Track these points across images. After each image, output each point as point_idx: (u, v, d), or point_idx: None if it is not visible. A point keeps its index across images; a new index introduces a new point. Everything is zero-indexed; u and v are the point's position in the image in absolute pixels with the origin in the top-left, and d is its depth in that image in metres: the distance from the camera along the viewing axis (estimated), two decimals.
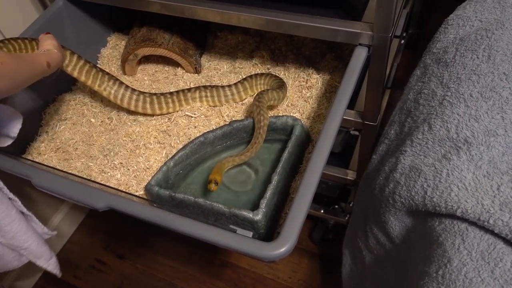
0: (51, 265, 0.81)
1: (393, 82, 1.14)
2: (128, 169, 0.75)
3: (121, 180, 0.74)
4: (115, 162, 0.76)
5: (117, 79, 0.80)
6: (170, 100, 0.81)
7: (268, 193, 0.62)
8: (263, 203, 0.61)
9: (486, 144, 0.54)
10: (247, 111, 0.82)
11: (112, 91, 0.80)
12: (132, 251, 1.34)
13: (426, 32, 1.41)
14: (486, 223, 0.48)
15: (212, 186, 0.65)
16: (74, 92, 0.93)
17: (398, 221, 0.65)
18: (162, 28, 0.91)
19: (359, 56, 0.69)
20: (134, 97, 0.80)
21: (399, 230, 0.65)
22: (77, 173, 0.76)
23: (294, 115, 0.79)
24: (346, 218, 1.12)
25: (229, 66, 0.93)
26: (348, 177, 0.97)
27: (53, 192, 0.64)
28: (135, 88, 0.82)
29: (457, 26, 0.67)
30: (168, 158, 0.74)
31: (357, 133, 0.89)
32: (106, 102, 0.89)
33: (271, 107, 0.81)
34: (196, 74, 0.92)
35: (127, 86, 0.81)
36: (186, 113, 0.82)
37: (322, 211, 1.13)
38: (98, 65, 0.98)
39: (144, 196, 0.71)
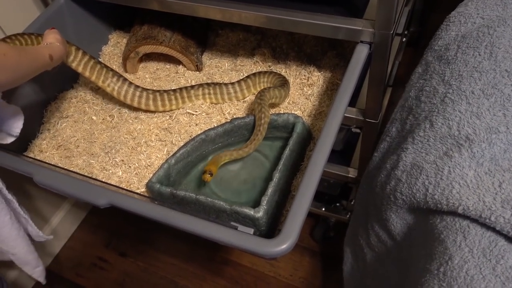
0: (36, 273, 0.82)
1: (395, 80, 1.14)
2: (130, 167, 0.75)
3: (122, 177, 0.74)
4: (117, 160, 0.76)
5: (121, 76, 0.81)
6: (173, 97, 0.81)
7: (269, 191, 0.62)
8: (264, 200, 0.61)
9: (487, 141, 0.54)
10: (249, 109, 0.82)
11: (116, 87, 0.80)
12: (134, 249, 1.35)
13: (428, 30, 1.40)
14: (487, 220, 0.48)
15: (207, 177, 0.65)
16: (76, 90, 0.93)
17: (400, 218, 0.64)
18: (163, 26, 0.91)
19: (361, 53, 0.69)
20: (138, 93, 0.80)
21: (400, 227, 0.65)
22: (78, 171, 0.76)
23: (296, 112, 0.79)
24: (348, 216, 1.12)
25: (230, 64, 0.93)
26: (350, 175, 0.97)
27: (55, 189, 0.64)
28: (139, 85, 0.82)
29: (459, 23, 0.67)
30: (170, 155, 0.74)
31: (358, 130, 0.89)
32: (107, 99, 0.89)
33: (273, 105, 0.81)
34: (197, 72, 0.92)
35: (130, 83, 0.81)
36: (187, 110, 0.82)
37: (323, 209, 1.13)
38: None
39: (146, 194, 0.72)
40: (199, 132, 0.76)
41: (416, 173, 0.58)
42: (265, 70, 0.87)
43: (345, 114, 0.81)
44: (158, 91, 0.81)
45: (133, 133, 0.81)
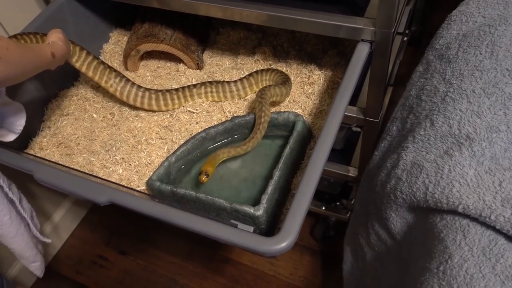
0: (32, 267, 0.84)
1: (396, 79, 1.14)
2: (130, 164, 0.76)
3: (123, 175, 0.74)
4: (117, 157, 0.77)
5: (123, 76, 0.81)
6: (175, 97, 0.81)
7: (270, 189, 0.62)
8: (264, 199, 0.61)
9: (488, 140, 0.54)
10: (249, 107, 0.82)
11: (119, 88, 0.80)
12: (134, 247, 1.35)
13: (429, 29, 1.40)
14: (487, 219, 0.48)
15: (203, 178, 0.65)
16: (76, 88, 0.93)
17: (400, 217, 0.64)
18: (164, 24, 0.91)
19: (361, 52, 0.69)
20: (140, 93, 0.81)
21: (400, 226, 0.65)
22: (79, 168, 0.76)
23: (296, 111, 0.79)
24: (348, 215, 1.12)
25: (231, 62, 0.93)
26: (350, 174, 0.97)
27: (55, 187, 0.64)
28: (141, 85, 0.82)
29: (460, 22, 0.67)
30: (170, 153, 0.74)
31: (359, 129, 0.89)
32: (108, 97, 0.89)
33: (274, 103, 0.81)
34: (198, 70, 0.92)
35: (133, 83, 0.81)
36: (188, 108, 0.82)
37: (323, 208, 1.13)
38: None
39: (146, 191, 0.72)
40: (199, 130, 0.76)
41: (417, 172, 0.58)
42: (267, 68, 0.86)
43: (346, 113, 0.81)
44: (161, 90, 0.81)
45: (133, 131, 0.81)
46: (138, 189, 0.72)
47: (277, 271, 1.23)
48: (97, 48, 1.00)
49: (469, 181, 0.52)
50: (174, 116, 0.82)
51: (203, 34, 0.98)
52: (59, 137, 0.83)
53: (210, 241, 1.23)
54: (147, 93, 0.81)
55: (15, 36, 0.72)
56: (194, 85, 0.82)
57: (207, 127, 0.77)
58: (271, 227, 0.63)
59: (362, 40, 0.69)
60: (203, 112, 0.82)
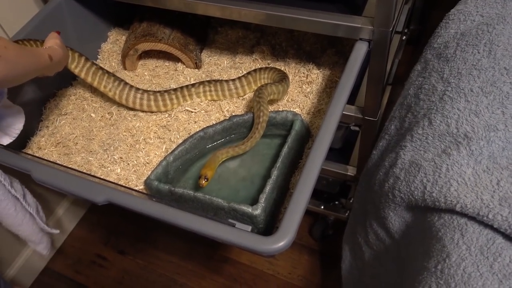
0: (38, 247, 0.88)
1: (394, 79, 1.14)
2: (128, 164, 0.75)
3: (121, 174, 0.74)
4: (115, 157, 0.76)
5: (122, 80, 0.82)
6: (174, 97, 0.81)
7: (268, 188, 0.62)
8: (263, 198, 0.61)
9: (486, 139, 0.54)
10: (248, 106, 0.82)
11: (117, 91, 0.81)
12: (133, 247, 1.35)
13: (428, 28, 1.40)
14: (485, 218, 0.48)
15: (202, 182, 0.65)
16: (75, 87, 0.93)
17: (398, 216, 0.64)
18: (162, 23, 0.91)
19: (359, 51, 0.69)
20: (139, 95, 0.81)
21: (399, 225, 0.65)
22: (77, 168, 0.76)
23: (294, 110, 0.79)
24: (346, 214, 1.12)
25: (229, 61, 0.93)
26: (348, 173, 0.97)
27: (53, 186, 0.64)
28: (139, 88, 0.82)
29: (458, 21, 0.67)
30: (168, 152, 0.74)
31: (357, 128, 0.88)
32: (106, 97, 0.89)
33: (272, 101, 0.81)
34: (197, 70, 0.92)
35: (131, 86, 0.81)
36: (186, 108, 0.82)
37: (322, 207, 1.13)
38: (98, 60, 0.99)
39: (144, 191, 0.72)
40: (198, 130, 0.76)
41: (415, 171, 0.58)
42: (265, 66, 0.86)
43: (344, 112, 0.81)
44: (159, 91, 0.82)
45: (131, 131, 0.80)
46: (136, 188, 0.72)
47: (276, 270, 1.23)
48: (95, 48, 1.00)
49: (467, 180, 0.52)
50: (172, 116, 0.82)
51: (202, 33, 0.98)
52: (57, 137, 0.83)
53: (209, 241, 1.23)
54: (145, 95, 0.81)
55: (15, 41, 0.73)
56: (193, 85, 0.82)
57: (205, 126, 0.77)
58: (269, 226, 0.63)
59: (360, 39, 0.69)
60: (202, 112, 0.82)
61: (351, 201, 1.10)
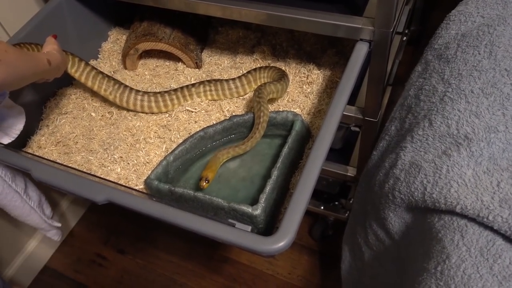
0: (49, 234, 0.92)
1: (395, 79, 1.14)
2: (128, 163, 0.75)
3: (121, 174, 0.74)
4: (115, 156, 0.76)
5: (121, 83, 0.82)
6: (174, 97, 0.82)
7: (268, 188, 0.62)
8: (263, 198, 0.61)
9: (486, 141, 0.54)
10: (248, 106, 0.82)
11: (118, 95, 0.81)
12: (132, 246, 1.35)
13: (428, 29, 1.40)
14: (485, 220, 0.48)
15: (203, 184, 0.65)
16: (75, 86, 0.93)
17: (398, 217, 0.64)
18: (163, 23, 0.91)
19: (360, 51, 0.69)
20: (139, 97, 0.81)
21: (399, 226, 0.65)
22: (77, 167, 0.76)
23: (295, 110, 0.79)
24: (346, 214, 1.12)
25: (230, 61, 0.92)
26: (348, 174, 0.97)
27: (53, 186, 0.64)
28: (139, 89, 0.82)
29: (459, 22, 0.67)
30: (168, 152, 0.74)
31: (357, 129, 0.88)
32: None
33: (272, 100, 0.81)
34: (197, 69, 0.92)
35: (131, 88, 0.82)
36: (187, 108, 0.82)
37: (322, 207, 1.13)
38: (99, 59, 0.99)
39: (144, 190, 0.72)
40: (198, 130, 0.76)
41: (415, 171, 0.58)
42: (265, 65, 0.86)
43: (344, 113, 0.81)
44: (159, 92, 0.82)
45: (132, 130, 0.80)
46: (136, 188, 0.72)
47: (275, 271, 1.23)
48: (95, 47, 1.00)
49: (467, 182, 0.52)
50: (172, 115, 0.82)
51: (202, 33, 0.98)
52: (57, 136, 0.83)
53: (208, 241, 1.23)
54: (146, 97, 0.81)
55: (17, 44, 0.74)
56: (193, 84, 0.82)
57: (205, 126, 0.77)
58: (269, 226, 0.63)
59: (361, 40, 0.69)
60: (202, 111, 0.82)
61: (351, 201, 1.10)
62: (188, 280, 1.25)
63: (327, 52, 0.88)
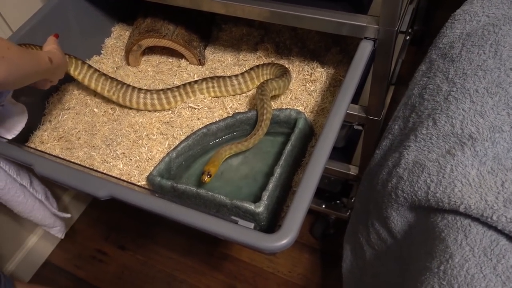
0: (53, 231, 0.92)
1: (397, 79, 1.14)
2: (131, 159, 0.75)
3: (123, 170, 0.74)
4: (118, 152, 0.76)
5: (124, 83, 0.83)
6: (177, 94, 0.81)
7: (270, 186, 0.62)
8: (265, 195, 0.60)
9: (491, 140, 0.54)
10: (250, 103, 0.81)
11: (120, 95, 0.82)
12: (133, 242, 1.35)
13: (432, 29, 1.40)
14: (489, 219, 0.48)
15: (205, 178, 0.65)
16: (78, 82, 0.92)
17: (400, 216, 0.64)
18: (166, 19, 0.91)
19: (364, 50, 0.68)
20: (142, 96, 0.81)
21: (401, 225, 0.65)
22: (79, 163, 0.76)
23: (298, 108, 0.79)
24: (348, 213, 1.12)
25: (233, 59, 0.92)
26: (351, 172, 0.97)
27: (56, 180, 0.64)
28: (142, 88, 0.82)
29: (464, 21, 0.67)
30: (171, 149, 0.74)
31: (360, 128, 0.88)
32: None
33: (275, 96, 0.81)
34: (200, 66, 0.92)
35: (133, 88, 0.82)
36: (190, 104, 0.82)
37: (323, 206, 1.13)
38: (102, 55, 0.99)
39: (146, 186, 0.71)
40: (201, 126, 0.76)
41: (418, 171, 0.58)
42: (267, 62, 0.86)
43: (348, 111, 0.80)
44: (162, 90, 0.81)
45: (134, 126, 0.80)
46: (139, 184, 0.72)
47: (276, 268, 1.23)
48: (98, 43, 1.00)
49: (471, 181, 0.52)
50: (175, 112, 0.81)
51: (206, 30, 0.98)
52: (59, 131, 0.83)
53: (209, 237, 1.22)
54: (148, 95, 0.81)
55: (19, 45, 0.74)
56: (196, 81, 0.82)
57: (208, 123, 0.76)
58: (271, 224, 0.63)
59: (365, 38, 0.69)
60: (205, 108, 0.81)
61: (352, 200, 1.10)
62: (188, 276, 1.25)
63: (331, 50, 0.88)
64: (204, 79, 0.82)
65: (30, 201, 0.79)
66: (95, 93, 0.89)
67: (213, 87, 0.82)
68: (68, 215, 0.89)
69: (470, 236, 0.49)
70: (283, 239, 0.50)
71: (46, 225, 0.88)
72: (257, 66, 0.83)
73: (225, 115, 0.80)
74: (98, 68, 0.93)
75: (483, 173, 0.52)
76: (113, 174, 0.73)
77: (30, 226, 1.26)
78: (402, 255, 0.66)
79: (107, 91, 0.82)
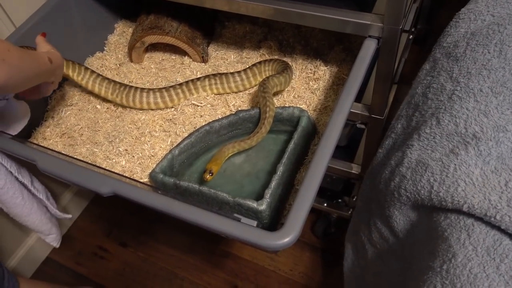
0: (48, 239, 0.89)
1: (400, 78, 1.14)
2: (133, 156, 0.75)
3: (125, 166, 0.74)
4: (120, 149, 0.76)
5: (126, 85, 0.83)
6: (180, 91, 0.81)
7: (273, 184, 0.62)
8: (268, 193, 0.60)
9: (495, 140, 0.53)
10: (253, 101, 0.81)
11: (124, 96, 0.82)
12: (135, 239, 1.35)
13: (435, 28, 1.39)
14: (492, 219, 0.48)
15: (207, 176, 0.65)
16: None
17: (403, 215, 0.64)
18: (170, 16, 0.91)
19: (368, 48, 0.68)
20: (144, 95, 0.81)
21: (404, 224, 0.65)
22: (82, 159, 0.76)
23: (301, 106, 0.79)
24: (349, 212, 1.12)
25: (236, 56, 0.92)
26: (353, 171, 0.97)
27: (59, 177, 0.64)
28: (144, 87, 0.83)
29: (469, 20, 0.66)
30: (173, 146, 0.74)
31: (363, 126, 0.88)
32: None
33: (278, 93, 0.81)
34: (203, 63, 0.92)
35: (136, 88, 0.82)
36: (193, 102, 0.82)
37: (325, 204, 1.13)
38: (105, 52, 0.98)
39: (149, 183, 0.71)
40: (203, 124, 0.76)
41: (421, 170, 0.58)
42: (269, 58, 0.86)
43: (351, 110, 0.80)
44: (164, 88, 0.82)
45: (137, 123, 0.80)
46: (141, 181, 0.72)
47: (277, 267, 1.23)
48: (102, 39, 1.00)
49: (474, 181, 0.52)
50: (178, 109, 0.81)
51: (209, 27, 0.97)
52: (62, 128, 0.83)
53: (210, 235, 1.22)
54: (151, 94, 0.81)
55: None
56: (198, 78, 0.82)
57: (211, 120, 0.76)
58: (273, 222, 0.63)
59: (370, 36, 0.69)
60: (208, 106, 0.81)
61: (354, 199, 1.10)
62: (189, 274, 1.26)
63: (334, 48, 0.88)
64: (207, 76, 0.82)
65: (28, 204, 0.77)
66: None
67: (215, 84, 0.82)
68: (69, 216, 0.87)
69: (473, 236, 0.49)
70: (286, 237, 0.50)
71: (42, 231, 0.85)
72: (259, 63, 0.83)
73: (228, 113, 0.80)
74: (102, 65, 0.94)
75: (486, 173, 0.52)
76: (116, 171, 0.73)
77: None
78: (404, 254, 0.66)
79: (110, 94, 0.83)
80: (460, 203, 0.51)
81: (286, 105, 0.79)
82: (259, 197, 0.62)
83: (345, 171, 0.98)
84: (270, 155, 0.74)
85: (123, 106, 0.85)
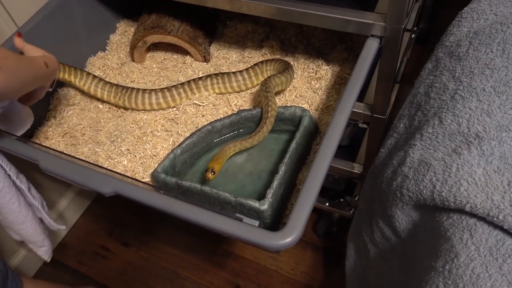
0: (40, 251, 0.85)
1: (402, 77, 1.13)
2: (135, 156, 0.75)
3: (127, 166, 0.74)
4: (122, 149, 0.76)
5: (128, 87, 0.83)
6: (181, 91, 0.81)
7: (275, 183, 0.62)
8: (270, 193, 0.60)
9: (497, 139, 0.53)
10: (255, 100, 0.81)
11: (126, 98, 0.82)
12: (136, 239, 1.35)
13: (437, 27, 1.39)
14: (495, 219, 0.48)
15: (209, 175, 0.65)
16: None
17: (405, 215, 0.64)
18: (171, 16, 0.91)
19: (371, 47, 0.68)
20: (146, 96, 0.81)
21: (406, 224, 0.65)
22: (84, 159, 0.76)
23: (303, 106, 0.79)
24: (351, 211, 1.11)
25: (238, 56, 0.92)
26: (355, 171, 0.96)
27: (61, 176, 0.64)
28: (145, 89, 0.83)
29: (471, 19, 0.66)
30: (175, 145, 0.74)
31: (365, 126, 0.88)
32: None
33: (279, 92, 0.81)
34: (205, 63, 0.92)
35: (137, 90, 0.82)
36: (194, 101, 0.82)
37: (327, 204, 1.13)
38: (107, 51, 0.98)
39: (151, 183, 0.71)
40: (205, 123, 0.76)
41: (424, 169, 0.58)
42: (271, 58, 0.86)
43: (353, 109, 0.80)
44: (166, 87, 0.82)
45: (139, 123, 0.80)
46: (143, 180, 0.72)
47: (279, 266, 1.23)
48: (103, 39, 1.00)
49: (477, 180, 0.52)
50: (180, 109, 0.81)
51: (211, 26, 0.97)
52: (64, 127, 0.83)
53: (212, 235, 1.23)
54: (153, 94, 0.81)
55: None
56: (200, 78, 0.82)
57: (213, 120, 0.76)
58: (275, 222, 0.63)
59: (372, 36, 0.69)
60: (210, 105, 0.81)
61: (356, 198, 1.10)
62: (191, 273, 1.26)
63: (336, 47, 0.88)
64: (209, 76, 0.82)
65: (23, 211, 0.75)
66: None
67: (217, 83, 0.82)
68: (63, 227, 0.86)
69: (475, 236, 0.49)
70: (288, 237, 0.50)
71: (34, 242, 0.82)
72: (261, 62, 0.83)
73: (229, 112, 0.80)
74: (103, 64, 0.94)
75: (489, 172, 0.52)
76: (118, 171, 0.73)
77: None
78: (406, 254, 0.66)
79: (113, 97, 0.83)
80: (462, 203, 0.51)
81: (288, 105, 0.79)
82: (261, 196, 0.62)
83: (347, 170, 0.97)
84: (272, 155, 0.74)
85: (126, 109, 0.85)
